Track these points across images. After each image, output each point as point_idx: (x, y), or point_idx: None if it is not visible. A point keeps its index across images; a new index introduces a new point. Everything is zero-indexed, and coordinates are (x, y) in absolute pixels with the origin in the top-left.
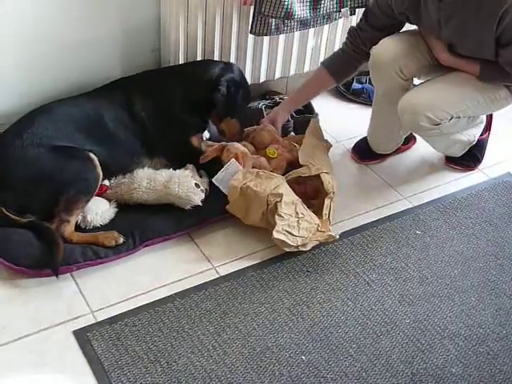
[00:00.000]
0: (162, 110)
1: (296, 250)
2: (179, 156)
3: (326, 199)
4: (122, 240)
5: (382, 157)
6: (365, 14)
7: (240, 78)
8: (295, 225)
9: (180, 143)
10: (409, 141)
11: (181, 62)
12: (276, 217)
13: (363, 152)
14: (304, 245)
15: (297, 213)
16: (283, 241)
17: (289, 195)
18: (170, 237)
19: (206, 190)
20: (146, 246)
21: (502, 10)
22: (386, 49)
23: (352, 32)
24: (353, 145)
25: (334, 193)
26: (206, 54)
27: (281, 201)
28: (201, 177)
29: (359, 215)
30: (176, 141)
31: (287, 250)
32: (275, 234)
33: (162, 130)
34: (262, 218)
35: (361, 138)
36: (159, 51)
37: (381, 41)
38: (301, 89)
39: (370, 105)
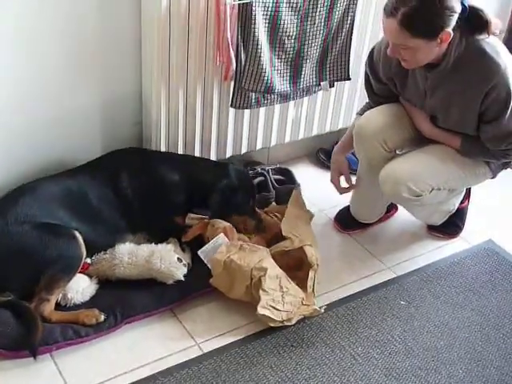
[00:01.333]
0: (149, 189)
1: (281, 324)
2: (162, 232)
3: (310, 271)
4: (102, 318)
5: (365, 226)
6: (364, 82)
7: (238, 178)
8: (280, 299)
9: (164, 221)
10: (390, 209)
11: (162, 135)
12: (260, 292)
13: (346, 221)
14: (289, 319)
15: (281, 287)
16: (268, 316)
17: (273, 269)
18: (152, 313)
19: (188, 264)
20: (128, 322)
21: (488, 87)
22: (370, 121)
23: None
24: (335, 214)
25: (317, 265)
26: (188, 127)
27: (265, 275)
28: (183, 251)
29: (343, 286)
30: (160, 219)
31: (272, 324)
32: (260, 310)
33: (146, 208)
34: (246, 291)
35: (343, 206)
36: (141, 124)
37: (365, 113)
38: (347, 135)
39: (352, 173)
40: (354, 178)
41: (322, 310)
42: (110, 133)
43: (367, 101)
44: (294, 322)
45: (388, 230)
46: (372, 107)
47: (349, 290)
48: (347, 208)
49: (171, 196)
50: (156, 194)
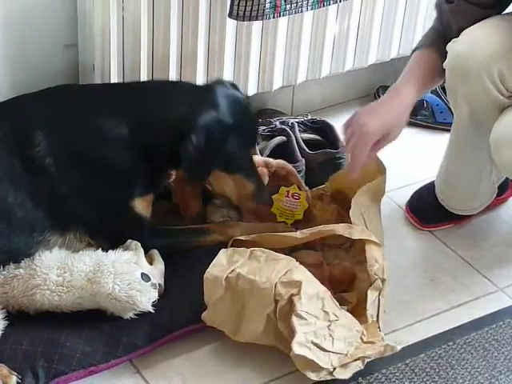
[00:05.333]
0: (83, 155)
1: (329, 377)
2: (111, 229)
3: (369, 291)
4: (14, 381)
5: (460, 219)
6: None
7: (231, 109)
8: (326, 333)
9: (113, 209)
10: (504, 190)
11: (112, 62)
12: (294, 319)
13: (427, 211)
14: (343, 367)
15: (326, 313)
16: (309, 360)
17: (311, 284)
18: (99, 368)
19: (159, 285)
20: None
21: None
22: (477, 45)
23: (437, 5)
24: (408, 198)
25: (384, 281)
26: (156, 50)
27: (299, 293)
28: (151, 263)
29: (422, 320)
30: (106, 205)
31: (314, 378)
32: (296, 348)
33: (81, 188)
34: (266, 327)
35: (421, 185)
36: (76, 46)
37: (466, 32)
38: (411, 68)
39: (435, 128)
40: (440, 137)
41: (399, 348)
42: (22, 60)
43: (432, 25)
44: (349, 373)
45: (499, 225)
46: (442, 34)
47: (433, 326)
48: (429, 189)
49: (120, 163)
50: (95, 163)
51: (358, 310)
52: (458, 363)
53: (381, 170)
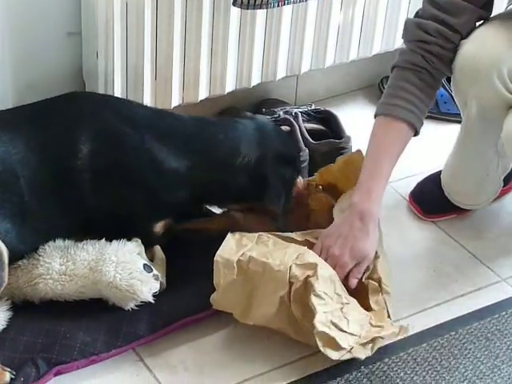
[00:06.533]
0: (123, 174)
1: (349, 356)
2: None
3: (370, 295)
4: (7, 378)
5: (462, 209)
6: None
7: (281, 143)
8: (340, 314)
9: (137, 230)
10: (508, 181)
11: (116, 50)
12: (313, 299)
13: (430, 201)
14: (360, 347)
15: (339, 295)
16: (331, 338)
17: (323, 267)
18: (100, 357)
19: (161, 283)
20: (59, 373)
21: None
22: (486, 45)
23: (411, 26)
24: (412, 188)
25: (387, 287)
26: (160, 40)
27: (315, 274)
28: (152, 259)
29: (425, 310)
30: (130, 226)
31: (335, 357)
32: (319, 326)
33: (109, 205)
34: (279, 309)
35: (425, 176)
36: (79, 35)
37: (475, 34)
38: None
39: (439, 118)
40: (451, 128)
41: (411, 330)
42: (25, 48)
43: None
44: (369, 351)
45: (502, 216)
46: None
47: (435, 316)
48: (433, 179)
49: (166, 195)
50: (134, 184)
51: (360, 301)
52: (460, 353)
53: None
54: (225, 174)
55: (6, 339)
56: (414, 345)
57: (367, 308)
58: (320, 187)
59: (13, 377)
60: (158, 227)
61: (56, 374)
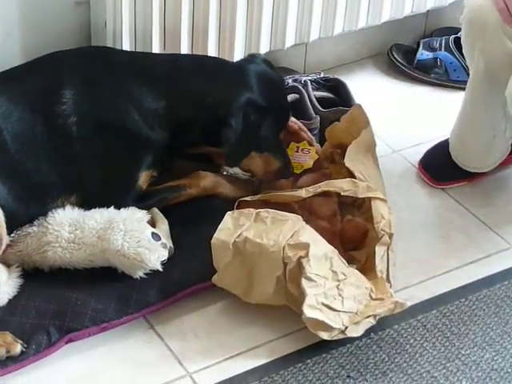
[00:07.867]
0: (108, 119)
1: (341, 335)
2: (104, 192)
3: (377, 247)
4: (18, 349)
5: (472, 176)
6: None
7: (267, 92)
8: (335, 293)
9: (118, 175)
10: None
11: (124, 19)
12: (303, 281)
13: (440, 168)
14: (354, 325)
15: (335, 272)
16: (320, 321)
17: (318, 245)
18: (111, 324)
19: (170, 248)
20: (71, 340)
21: None
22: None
23: None
24: (421, 156)
25: (392, 235)
26: (168, 5)
27: (307, 255)
28: (154, 225)
29: (435, 277)
30: (113, 170)
31: (326, 337)
32: (307, 311)
33: (96, 150)
34: (276, 288)
35: (435, 143)
36: (87, 4)
37: None
38: None
39: (449, 86)
40: (460, 95)
41: (408, 304)
42: (33, 18)
43: None
44: (361, 331)
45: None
46: None
47: (444, 283)
48: (442, 147)
49: (144, 134)
50: (119, 128)
51: (367, 267)
52: (469, 319)
53: (365, 122)
54: (196, 113)
55: (17, 306)
56: (424, 311)
57: (371, 272)
58: (338, 151)
59: (24, 349)
60: (142, 179)
61: (67, 342)
